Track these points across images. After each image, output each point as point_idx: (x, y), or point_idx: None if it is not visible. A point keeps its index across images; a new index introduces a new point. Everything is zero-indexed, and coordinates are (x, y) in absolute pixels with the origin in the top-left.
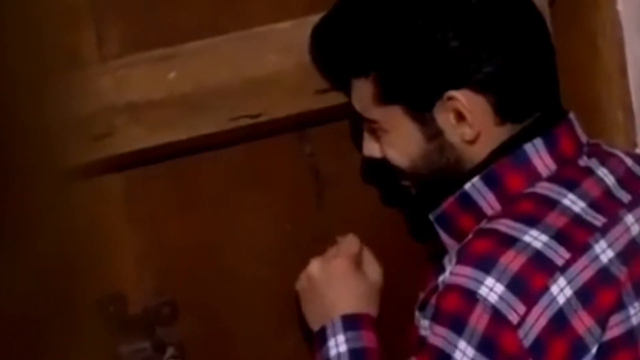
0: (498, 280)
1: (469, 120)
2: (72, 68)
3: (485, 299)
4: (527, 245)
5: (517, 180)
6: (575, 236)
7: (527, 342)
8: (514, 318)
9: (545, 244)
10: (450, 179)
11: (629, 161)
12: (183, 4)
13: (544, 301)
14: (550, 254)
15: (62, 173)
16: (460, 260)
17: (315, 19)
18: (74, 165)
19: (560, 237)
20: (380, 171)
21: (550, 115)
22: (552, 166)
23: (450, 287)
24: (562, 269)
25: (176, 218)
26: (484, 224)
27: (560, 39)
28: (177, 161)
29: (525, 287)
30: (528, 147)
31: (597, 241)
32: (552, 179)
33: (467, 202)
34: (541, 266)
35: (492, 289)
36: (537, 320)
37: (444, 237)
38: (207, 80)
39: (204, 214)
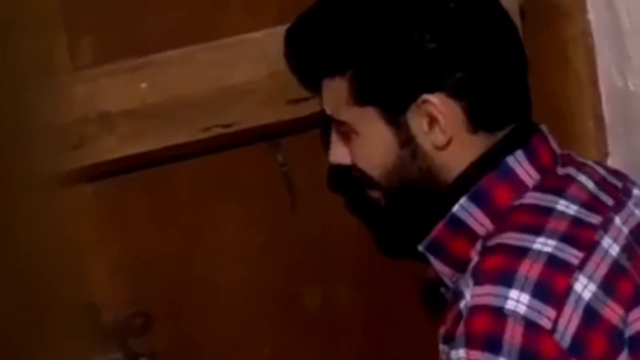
0: (522, 290)
1: (442, 124)
2: (45, 77)
3: (514, 312)
4: (539, 252)
5: (506, 194)
6: (581, 236)
7: (565, 344)
8: (546, 323)
9: (555, 247)
10: (421, 192)
11: (600, 169)
12: (155, 14)
13: (571, 301)
14: (564, 256)
15: (34, 182)
16: (478, 281)
17: (286, 28)
18: (46, 175)
19: (567, 239)
20: (346, 181)
21: (525, 127)
22: (536, 176)
23: (475, 309)
24: (580, 268)
25: (149, 228)
26: (488, 242)
27: (531, 49)
28: (150, 171)
29: (550, 291)
30: (510, 159)
31: (602, 237)
32: (538, 188)
33: (457, 224)
34: (559, 268)
35: (518, 300)
36: (569, 321)
37: (438, 265)
38: (180, 90)
39: (176, 224)
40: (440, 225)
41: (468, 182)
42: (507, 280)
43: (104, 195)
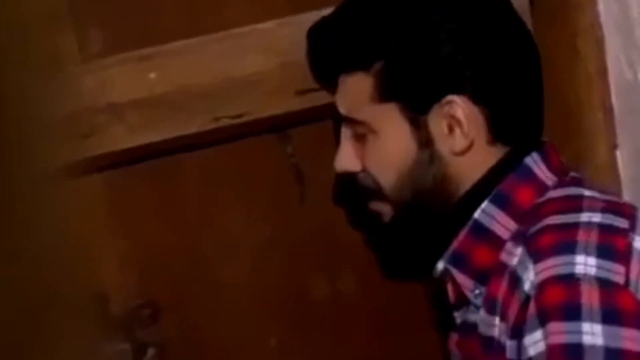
0: (587, 254)
1: (465, 128)
2: (52, 69)
3: (585, 275)
4: (589, 222)
5: (528, 194)
6: (621, 208)
7: (639, 296)
8: (620, 279)
9: (602, 217)
10: (432, 204)
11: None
12: (164, 5)
13: (635, 256)
14: (613, 222)
15: (43, 173)
16: (537, 259)
17: (296, 19)
18: (54, 166)
19: (609, 210)
20: (351, 193)
21: (538, 136)
22: (553, 178)
23: (544, 284)
24: (632, 229)
25: (157, 219)
26: (526, 233)
27: (541, 40)
28: (159, 161)
29: (613, 250)
30: (528, 160)
31: (636, 212)
32: (558, 186)
33: (481, 231)
34: (613, 232)
35: (586, 264)
36: (639, 274)
37: (460, 277)
38: (189, 81)
39: (185, 215)
40: (462, 234)
41: (488, 187)
42: (569, 248)
43: (112, 186)
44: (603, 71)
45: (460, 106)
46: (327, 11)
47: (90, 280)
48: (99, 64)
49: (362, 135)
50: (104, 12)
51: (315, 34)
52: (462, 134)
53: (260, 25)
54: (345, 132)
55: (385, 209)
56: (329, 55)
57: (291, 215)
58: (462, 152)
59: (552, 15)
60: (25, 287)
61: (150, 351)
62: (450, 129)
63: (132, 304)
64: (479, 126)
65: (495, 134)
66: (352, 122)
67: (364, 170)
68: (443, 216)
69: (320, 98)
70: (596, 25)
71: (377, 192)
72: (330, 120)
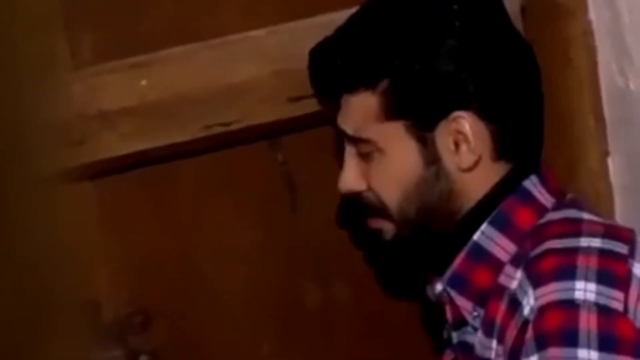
0: (586, 280)
1: (472, 144)
2: (45, 75)
3: (584, 301)
4: (588, 247)
5: (527, 216)
6: (619, 233)
7: (638, 323)
8: (619, 306)
9: (602, 242)
10: (436, 221)
11: None
12: (156, 12)
13: (634, 283)
14: (612, 247)
15: (34, 180)
16: (537, 284)
17: (288, 26)
18: (46, 172)
19: (608, 235)
20: (353, 211)
21: (539, 153)
22: (552, 199)
23: (544, 308)
24: (631, 255)
25: (149, 226)
26: (529, 255)
27: (533, 47)
28: (150, 169)
29: (613, 277)
30: (527, 183)
31: (635, 236)
32: (557, 208)
33: (480, 253)
34: (613, 257)
35: (585, 289)
36: (637, 301)
37: (460, 300)
38: (180, 88)
39: (177, 222)
40: (461, 256)
41: (487, 208)
42: (569, 274)
43: (104, 193)
44: (594, 78)
45: (467, 121)
46: (319, 19)
47: (82, 287)
48: (90, 71)
49: (367, 153)
50: (96, 19)
51: (318, 54)
52: (469, 150)
53: (252, 33)
54: (350, 151)
55: (387, 227)
56: (332, 75)
57: (283, 223)
58: (469, 169)
59: (543, 23)
60: (17, 294)
61: (143, 358)
62: (457, 146)
63: (124, 311)
64: (485, 142)
65: (500, 150)
66: (357, 141)
67: (368, 188)
68: (445, 235)
69: (312, 105)
70: (588, 33)
71: (380, 210)
72: (322, 128)
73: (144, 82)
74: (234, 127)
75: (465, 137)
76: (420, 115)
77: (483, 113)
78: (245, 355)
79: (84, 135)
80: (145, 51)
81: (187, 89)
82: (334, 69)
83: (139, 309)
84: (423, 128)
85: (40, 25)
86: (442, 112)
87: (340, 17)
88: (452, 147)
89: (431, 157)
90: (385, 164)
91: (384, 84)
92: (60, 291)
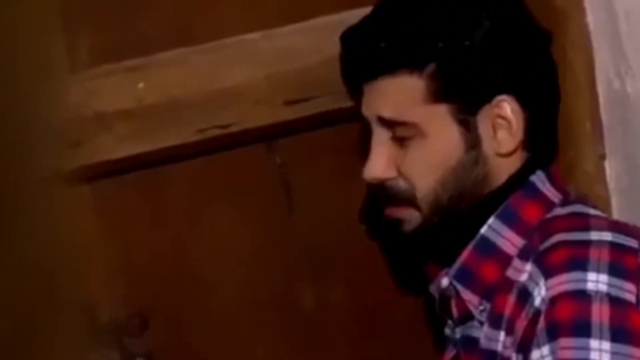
0: (598, 272)
1: (514, 128)
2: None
3: (597, 292)
4: (599, 240)
5: (534, 210)
6: (631, 230)
7: None
8: (630, 297)
9: (612, 236)
10: (464, 212)
11: None
12: (152, 15)
13: None
14: (623, 241)
15: (32, 182)
16: (549, 275)
17: (284, 30)
18: (44, 174)
19: (617, 230)
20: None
21: (556, 144)
22: (559, 195)
23: (556, 299)
24: None
25: (145, 229)
26: (540, 248)
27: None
28: (146, 172)
29: (624, 269)
30: (534, 178)
31: None
32: (564, 204)
33: (487, 246)
34: (624, 251)
35: (597, 281)
36: None
37: (466, 294)
38: (177, 91)
39: (173, 225)
40: (468, 250)
41: (495, 201)
42: (581, 265)
43: (100, 196)
44: (592, 82)
45: (510, 106)
46: (315, 22)
47: (78, 289)
48: (87, 74)
49: (404, 138)
50: (93, 22)
51: (354, 36)
52: (509, 135)
53: (248, 36)
54: (380, 137)
55: (412, 215)
56: (372, 57)
57: (280, 225)
58: (509, 154)
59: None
60: (14, 296)
61: None
62: (495, 130)
63: (120, 314)
64: (521, 129)
65: (530, 137)
66: (395, 124)
67: (398, 175)
68: (469, 216)
69: (309, 108)
70: (585, 36)
71: (408, 197)
72: (319, 131)
73: (140, 85)
74: (231, 129)
75: (507, 122)
76: (467, 98)
77: (521, 97)
78: (241, 358)
79: (81, 137)
80: (141, 54)
81: (183, 92)
82: (376, 51)
83: (136, 312)
84: (467, 112)
85: (39, 28)
86: (487, 96)
87: (335, 20)
88: (492, 132)
89: (472, 142)
90: (428, 147)
91: (431, 66)
92: (59, 292)
